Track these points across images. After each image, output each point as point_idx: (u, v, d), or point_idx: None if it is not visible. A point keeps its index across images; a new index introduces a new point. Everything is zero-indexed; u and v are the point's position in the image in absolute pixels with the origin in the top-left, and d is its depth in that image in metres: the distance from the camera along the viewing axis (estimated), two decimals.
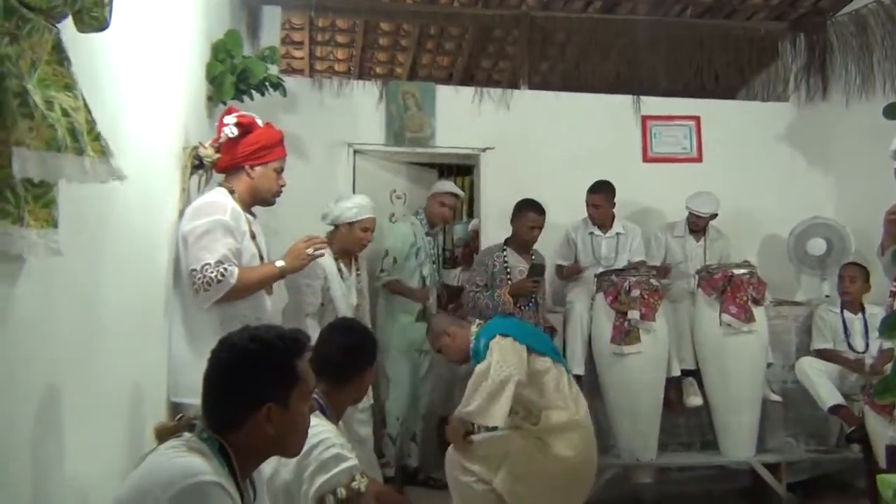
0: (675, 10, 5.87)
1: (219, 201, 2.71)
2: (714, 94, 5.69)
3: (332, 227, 3.86)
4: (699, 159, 5.36)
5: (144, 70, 2.26)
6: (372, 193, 5.18)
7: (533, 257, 4.40)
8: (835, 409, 4.14)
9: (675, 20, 5.83)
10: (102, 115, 1.83)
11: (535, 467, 3.11)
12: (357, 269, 3.96)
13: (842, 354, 4.34)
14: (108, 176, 1.41)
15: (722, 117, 5.43)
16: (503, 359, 3.08)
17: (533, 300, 4.26)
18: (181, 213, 2.69)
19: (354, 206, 3.82)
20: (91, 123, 1.39)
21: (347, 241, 3.84)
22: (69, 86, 1.33)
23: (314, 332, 3.08)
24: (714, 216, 4.76)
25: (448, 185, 4.87)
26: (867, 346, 4.34)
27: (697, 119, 5.41)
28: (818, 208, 5.07)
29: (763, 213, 5.25)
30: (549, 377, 3.26)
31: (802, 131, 5.41)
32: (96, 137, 1.39)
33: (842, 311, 4.48)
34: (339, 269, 3.76)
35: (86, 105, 1.38)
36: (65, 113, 1.28)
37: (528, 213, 4.35)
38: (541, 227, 4.39)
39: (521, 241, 4.39)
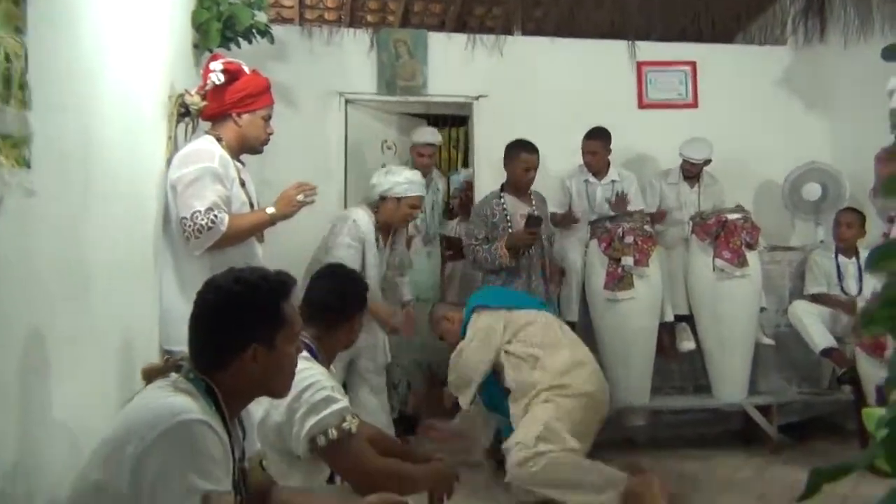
0: None
1: (206, 149, 2.69)
2: (710, 39, 5.60)
3: (378, 199, 3.77)
4: (695, 105, 5.31)
5: (126, 17, 2.22)
6: (363, 144, 5.20)
7: (533, 202, 4.24)
8: (827, 352, 4.17)
9: None
10: (80, 62, 1.82)
11: (567, 415, 3.23)
12: (393, 244, 3.93)
13: (835, 297, 4.36)
14: (21, 130, 1.36)
15: (718, 62, 5.37)
16: (476, 339, 3.44)
17: (540, 245, 4.13)
18: (169, 162, 2.67)
19: (406, 182, 3.74)
20: (23, 72, 1.34)
21: (393, 216, 3.76)
22: (19, 29, 1.29)
23: None
24: (708, 162, 4.73)
25: (421, 135, 4.82)
26: (860, 289, 4.35)
27: (693, 64, 5.35)
28: (815, 153, 5.04)
29: (759, 158, 5.22)
30: (533, 327, 3.40)
31: (800, 75, 5.35)
32: (22, 86, 1.34)
33: (836, 256, 4.49)
34: (377, 239, 3.75)
35: (26, 55, 1.33)
36: (7, 58, 1.24)
37: (520, 153, 4.16)
38: (535, 168, 4.18)
39: (517, 184, 4.19)
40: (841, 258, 4.45)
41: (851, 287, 4.40)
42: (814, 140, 5.19)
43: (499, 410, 3.55)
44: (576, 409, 3.28)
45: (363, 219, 3.69)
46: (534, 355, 3.42)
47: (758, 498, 3.45)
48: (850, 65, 5.07)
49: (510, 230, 4.07)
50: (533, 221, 4.02)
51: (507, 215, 4.13)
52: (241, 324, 1.54)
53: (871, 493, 1.28)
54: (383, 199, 3.74)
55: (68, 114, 1.72)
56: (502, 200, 4.20)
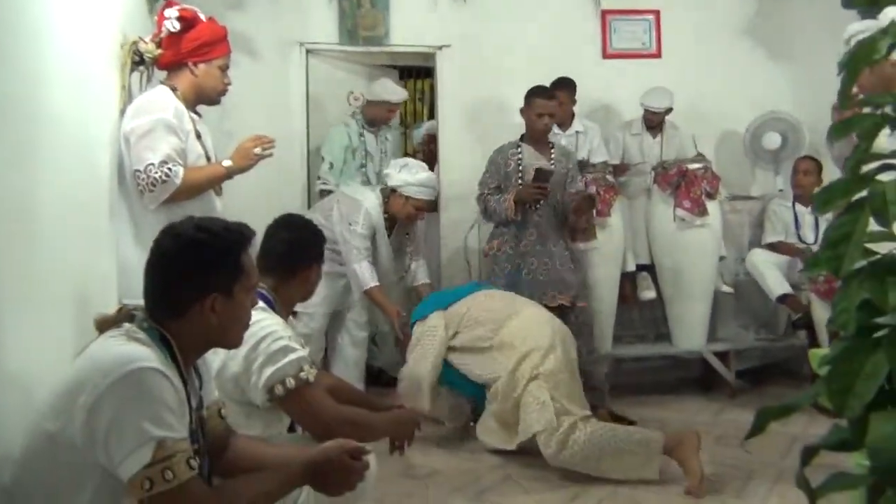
0: None
1: (161, 99, 2.63)
2: None
3: (389, 189, 3.91)
4: (658, 55, 5.29)
5: None
6: (327, 96, 5.11)
7: (552, 155, 4.03)
8: (782, 298, 4.27)
9: None
10: (25, 10, 1.76)
11: (554, 377, 3.26)
12: (406, 233, 4.11)
13: (792, 245, 4.44)
14: None
15: (682, 11, 5.33)
16: (415, 349, 3.50)
17: (555, 199, 3.94)
18: (123, 112, 2.61)
19: (417, 185, 3.87)
20: None
21: (398, 211, 3.92)
22: None
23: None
24: (669, 111, 4.75)
25: (388, 92, 4.75)
26: (817, 237, 4.44)
27: (657, 13, 5.31)
28: (776, 103, 5.07)
29: (722, 108, 5.24)
30: (473, 310, 3.50)
31: (763, 23, 5.34)
32: None
33: (794, 205, 4.56)
34: (386, 228, 3.95)
35: None
36: None
37: (535, 99, 3.99)
38: (552, 114, 4.02)
39: (534, 132, 4.02)
40: (798, 207, 4.52)
41: (808, 235, 4.48)
42: (775, 90, 5.22)
43: (464, 389, 3.60)
44: (558, 368, 3.28)
45: (375, 207, 3.87)
46: (484, 337, 3.43)
47: (715, 440, 3.56)
48: (813, 14, 5.07)
49: (520, 184, 3.91)
50: (541, 175, 3.82)
51: (520, 166, 3.99)
52: (202, 271, 1.54)
53: (820, 433, 1.32)
54: (393, 191, 3.89)
55: (12, 62, 1.67)
56: (519, 150, 4.03)
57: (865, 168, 1.25)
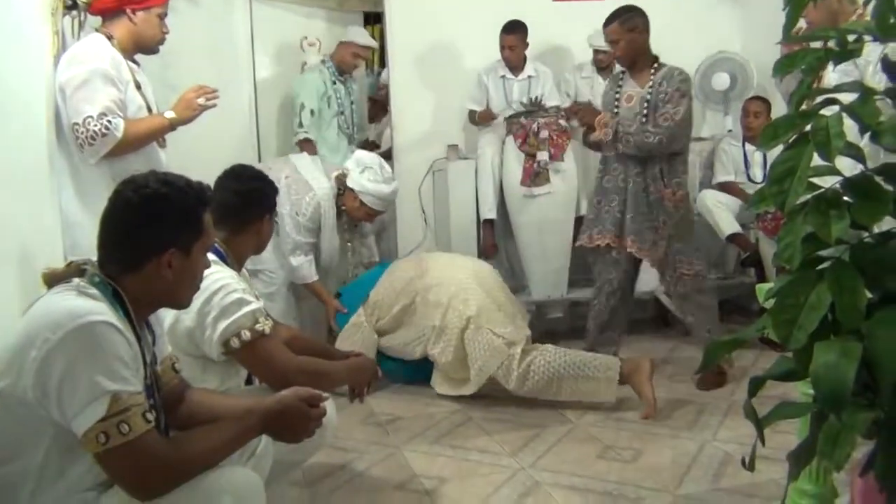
0: None
1: (96, 48, 2.54)
2: None
3: (345, 186, 3.69)
4: None
5: None
6: (277, 42, 4.96)
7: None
8: (732, 237, 4.35)
9: None
10: None
11: (480, 309, 3.32)
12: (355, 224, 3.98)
13: (741, 186, 4.51)
14: None
15: None
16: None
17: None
18: (56, 60, 2.51)
19: (375, 196, 3.66)
20: None
21: (349, 209, 3.72)
22: None
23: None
24: None
25: (364, 37, 4.64)
26: (765, 176, 4.51)
27: None
28: (725, 43, 5.08)
29: (672, 50, 5.14)
30: (383, 292, 3.53)
31: None
32: None
33: (743, 145, 4.62)
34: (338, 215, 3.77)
35: None
36: None
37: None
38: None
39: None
40: (748, 146, 4.58)
41: (757, 174, 4.56)
42: (724, 30, 5.22)
43: (405, 373, 3.64)
44: (484, 305, 3.34)
45: (327, 196, 3.63)
46: (405, 308, 3.48)
47: (668, 377, 3.65)
48: None
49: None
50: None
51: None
52: (164, 225, 1.51)
53: (769, 366, 1.36)
54: (349, 191, 3.67)
55: None
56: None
57: (810, 103, 1.26)
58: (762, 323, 1.28)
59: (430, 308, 3.41)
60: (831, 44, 1.23)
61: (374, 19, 6.42)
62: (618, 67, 3.62)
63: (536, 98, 4.55)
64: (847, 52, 1.19)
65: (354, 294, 3.69)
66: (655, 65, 3.46)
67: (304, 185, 3.62)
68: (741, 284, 4.66)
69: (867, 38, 1.21)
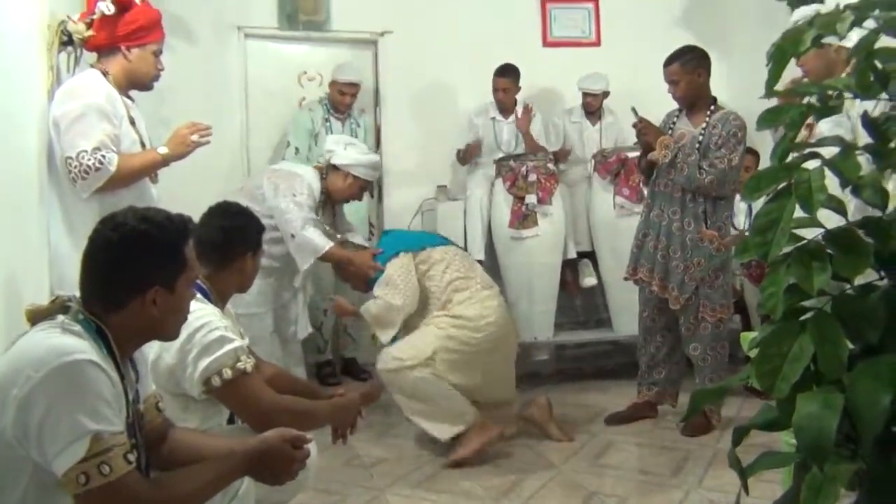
0: None
1: (92, 83, 2.56)
2: None
3: (330, 166, 3.65)
4: (598, 43, 5.36)
5: None
6: (272, 79, 4.98)
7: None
8: None
9: None
10: None
11: (462, 344, 3.21)
12: (334, 214, 3.87)
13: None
14: None
15: (620, 0, 5.41)
16: (393, 284, 3.28)
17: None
18: (51, 94, 2.52)
19: (366, 166, 3.66)
20: None
21: (339, 189, 3.65)
22: None
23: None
24: (606, 94, 4.82)
25: (345, 73, 4.69)
26: (749, 224, 4.56)
27: (596, 2, 5.38)
28: (712, 91, 5.17)
29: (660, 97, 5.28)
30: (440, 265, 3.36)
31: (698, 13, 5.45)
32: None
33: None
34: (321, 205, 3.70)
35: None
36: None
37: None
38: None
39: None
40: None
41: (742, 223, 4.60)
42: (711, 79, 5.32)
43: None
44: (470, 343, 3.25)
45: (315, 181, 3.61)
46: (441, 295, 3.37)
47: (653, 424, 3.64)
48: (747, 6, 5.21)
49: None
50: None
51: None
52: (146, 264, 1.50)
53: (753, 414, 1.36)
54: (335, 168, 3.64)
55: None
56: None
57: (792, 156, 1.29)
58: (746, 372, 1.29)
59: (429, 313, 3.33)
60: (813, 99, 1.26)
61: None
62: (674, 105, 3.60)
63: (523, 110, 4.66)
64: (828, 109, 1.23)
65: (405, 240, 3.57)
66: (713, 107, 3.44)
67: (291, 174, 3.58)
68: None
69: (847, 94, 1.24)
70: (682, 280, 3.38)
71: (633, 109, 3.54)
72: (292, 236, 3.42)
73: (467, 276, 3.39)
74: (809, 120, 2.74)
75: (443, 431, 3.17)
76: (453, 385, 3.17)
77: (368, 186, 3.82)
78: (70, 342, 1.39)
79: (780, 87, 1.36)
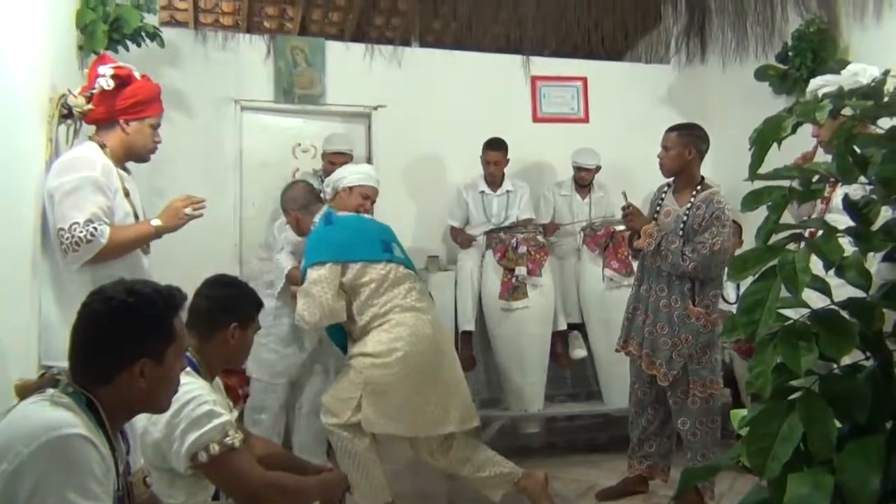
0: None
1: (88, 156, 2.58)
2: (601, 56, 5.82)
3: (333, 196, 3.64)
4: (586, 120, 5.50)
5: None
6: (267, 150, 5.06)
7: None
8: None
9: None
10: None
11: (382, 384, 3.11)
12: None
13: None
14: None
15: (608, 79, 5.58)
16: (310, 296, 3.15)
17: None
18: (48, 166, 2.55)
19: (359, 173, 3.66)
20: None
21: (348, 206, 3.58)
22: None
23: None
24: (598, 169, 4.92)
25: (332, 143, 4.77)
26: (738, 298, 4.60)
27: (584, 80, 5.54)
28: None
29: (646, 171, 5.38)
30: (368, 287, 3.23)
31: (682, 93, 5.62)
32: None
33: None
34: None
35: None
36: None
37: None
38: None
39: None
40: None
41: (730, 296, 4.63)
42: None
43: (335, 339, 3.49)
44: (388, 382, 3.14)
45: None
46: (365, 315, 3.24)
47: (644, 499, 3.59)
48: (728, 85, 5.38)
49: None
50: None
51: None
52: (132, 337, 1.51)
53: (746, 488, 1.36)
54: (336, 194, 3.62)
55: None
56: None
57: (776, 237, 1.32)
58: (738, 451, 1.30)
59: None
60: (794, 183, 1.31)
61: None
62: (658, 178, 3.66)
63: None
64: (810, 193, 1.27)
65: (336, 247, 3.30)
66: (699, 187, 3.50)
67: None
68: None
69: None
70: (670, 356, 3.37)
71: (624, 194, 3.61)
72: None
73: (390, 304, 3.22)
74: (826, 192, 2.83)
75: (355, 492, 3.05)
76: (391, 434, 3.14)
77: (371, 193, 3.69)
78: (60, 416, 1.38)
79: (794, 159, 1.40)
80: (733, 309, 4.43)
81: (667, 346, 3.38)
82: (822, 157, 3.09)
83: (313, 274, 3.18)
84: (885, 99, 1.28)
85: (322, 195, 3.70)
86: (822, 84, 2.89)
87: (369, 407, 3.10)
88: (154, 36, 3.86)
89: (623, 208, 3.58)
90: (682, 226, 3.40)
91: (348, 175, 3.64)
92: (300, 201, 3.53)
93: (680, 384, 3.39)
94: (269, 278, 3.94)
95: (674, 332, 3.37)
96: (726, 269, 4.56)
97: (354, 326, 3.25)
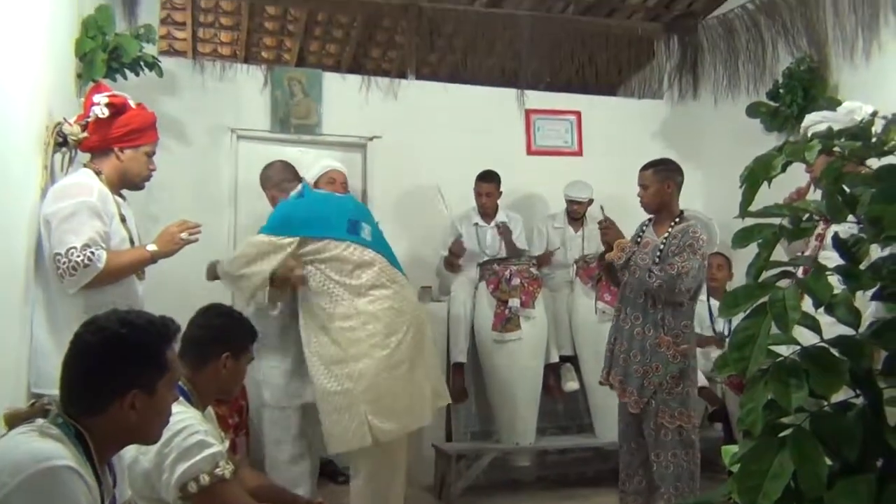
0: (559, 7, 6.06)
1: (85, 182, 2.60)
2: (594, 91, 5.89)
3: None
4: (580, 153, 5.54)
5: None
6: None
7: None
8: (699, 391, 4.36)
9: (559, 17, 6.02)
10: None
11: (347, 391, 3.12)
12: None
13: (706, 337, 4.59)
14: None
15: (601, 113, 5.64)
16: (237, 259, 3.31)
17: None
18: (43, 193, 2.56)
19: (317, 166, 3.85)
20: None
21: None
22: None
23: None
24: (591, 202, 4.95)
25: (327, 162, 4.76)
26: (730, 330, 4.60)
27: (578, 114, 5.60)
28: (688, 201, 5.27)
29: (638, 205, 5.47)
30: (330, 262, 3.24)
31: (675, 128, 5.69)
32: None
33: (707, 299, 4.73)
34: None
35: None
36: None
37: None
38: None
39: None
40: (712, 300, 4.70)
41: (721, 326, 4.65)
42: (687, 189, 5.45)
43: None
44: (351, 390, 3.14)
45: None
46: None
47: None
48: (720, 120, 5.45)
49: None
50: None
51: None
52: (124, 368, 1.50)
53: None
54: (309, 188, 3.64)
55: None
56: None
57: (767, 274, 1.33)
58: (729, 487, 1.30)
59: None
60: (784, 221, 1.32)
61: None
62: (645, 215, 3.68)
63: (502, 225, 4.80)
64: (800, 231, 1.28)
65: (300, 219, 3.35)
66: (677, 219, 3.52)
67: None
68: (708, 438, 4.64)
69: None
70: (642, 384, 3.37)
71: (601, 207, 3.68)
72: None
73: (348, 295, 3.22)
74: (819, 230, 2.86)
75: None
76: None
77: (336, 175, 3.83)
78: (47, 447, 1.37)
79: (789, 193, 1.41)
80: (727, 341, 4.44)
81: (638, 374, 3.38)
82: (817, 193, 3.13)
83: (257, 238, 3.29)
84: (873, 139, 1.30)
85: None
86: (818, 120, 2.92)
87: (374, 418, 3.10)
88: (153, 65, 3.89)
89: (599, 221, 3.65)
90: (658, 254, 3.44)
91: (309, 173, 3.80)
92: (274, 179, 3.66)
93: (650, 414, 3.38)
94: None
95: (646, 361, 3.38)
96: (718, 304, 4.61)
97: (322, 311, 3.23)
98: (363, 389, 3.11)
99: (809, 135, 1.50)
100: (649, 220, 3.65)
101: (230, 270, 3.32)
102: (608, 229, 3.59)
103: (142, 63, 3.80)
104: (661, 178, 3.52)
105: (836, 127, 1.36)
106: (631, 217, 5.42)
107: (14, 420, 1.47)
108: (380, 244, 3.43)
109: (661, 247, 3.44)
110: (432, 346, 3.49)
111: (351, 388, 3.12)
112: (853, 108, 2.97)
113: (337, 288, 3.22)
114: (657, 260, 3.40)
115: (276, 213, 3.40)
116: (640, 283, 3.38)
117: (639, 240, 3.58)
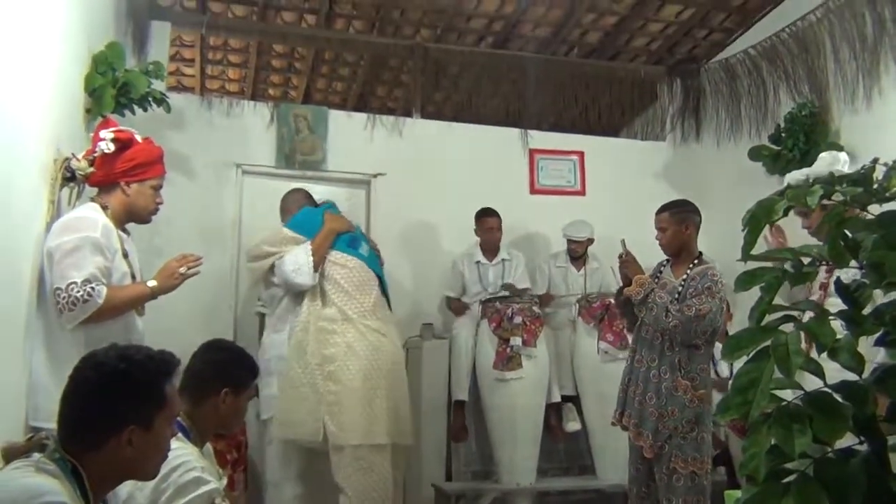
0: (563, 50, 6.15)
1: (89, 217, 2.60)
2: (598, 132, 5.94)
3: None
4: (582, 193, 5.57)
5: (8, 79, 2.16)
6: (266, 214, 5.08)
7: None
8: None
9: (563, 59, 6.11)
10: None
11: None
12: None
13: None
14: None
15: (604, 154, 5.67)
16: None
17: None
18: (49, 227, 2.57)
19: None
20: None
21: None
22: None
23: None
24: (590, 241, 4.95)
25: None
26: (731, 373, 4.58)
27: (582, 154, 5.63)
28: None
29: (641, 245, 5.43)
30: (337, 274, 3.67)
31: (677, 169, 5.72)
32: None
33: None
34: None
35: None
36: None
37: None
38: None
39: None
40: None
41: (724, 371, 4.61)
42: None
43: None
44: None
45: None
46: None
47: None
48: (722, 163, 5.48)
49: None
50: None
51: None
52: (121, 404, 1.50)
53: None
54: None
55: None
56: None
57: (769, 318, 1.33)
58: None
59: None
60: (787, 265, 1.32)
61: None
62: (657, 254, 3.65)
63: (510, 285, 4.69)
64: (803, 276, 1.28)
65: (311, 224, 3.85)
66: (696, 261, 3.49)
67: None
68: (711, 482, 4.58)
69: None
70: (657, 428, 3.31)
71: (623, 241, 3.62)
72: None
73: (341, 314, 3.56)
74: (823, 279, 2.84)
75: None
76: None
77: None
78: (43, 483, 1.36)
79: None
80: (729, 383, 4.41)
81: (654, 417, 3.32)
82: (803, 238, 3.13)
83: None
84: (874, 186, 1.31)
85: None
86: (799, 178, 2.95)
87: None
88: (161, 101, 3.93)
89: (620, 255, 3.59)
90: (676, 296, 3.40)
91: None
92: (292, 210, 4.02)
93: (664, 458, 3.32)
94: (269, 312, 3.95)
95: (661, 404, 3.32)
96: (720, 346, 4.59)
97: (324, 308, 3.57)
98: (331, 391, 3.39)
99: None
100: (667, 260, 3.63)
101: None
102: (628, 263, 3.55)
103: (150, 99, 3.84)
104: (679, 220, 3.52)
105: None
106: (637, 256, 5.43)
107: (11, 454, 1.46)
108: (373, 265, 3.82)
109: (680, 289, 3.42)
110: (405, 388, 3.72)
111: (319, 384, 3.41)
112: (831, 161, 3.01)
113: (337, 293, 3.60)
114: (675, 300, 3.37)
115: (300, 214, 3.89)
116: (656, 322, 3.34)
117: (656, 280, 3.56)
